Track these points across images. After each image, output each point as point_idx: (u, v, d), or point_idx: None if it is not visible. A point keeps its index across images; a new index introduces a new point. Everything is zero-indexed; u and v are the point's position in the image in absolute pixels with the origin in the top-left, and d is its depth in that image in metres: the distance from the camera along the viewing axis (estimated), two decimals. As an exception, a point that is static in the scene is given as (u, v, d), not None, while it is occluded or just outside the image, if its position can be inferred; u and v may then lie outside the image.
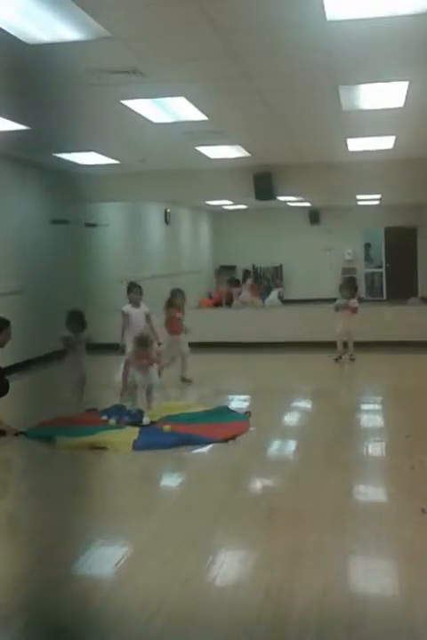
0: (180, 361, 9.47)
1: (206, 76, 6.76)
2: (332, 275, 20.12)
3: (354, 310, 10.88)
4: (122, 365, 7.74)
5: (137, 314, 8.90)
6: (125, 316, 8.90)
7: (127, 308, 9.00)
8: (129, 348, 8.23)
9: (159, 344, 9.06)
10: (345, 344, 10.92)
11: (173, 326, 9.41)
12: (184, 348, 9.45)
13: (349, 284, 11.78)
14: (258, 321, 12.41)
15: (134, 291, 9.14)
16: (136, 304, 9.04)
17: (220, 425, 7.10)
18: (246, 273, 19.18)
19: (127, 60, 6.09)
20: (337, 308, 10.93)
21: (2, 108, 7.75)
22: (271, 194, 12.80)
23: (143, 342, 7.67)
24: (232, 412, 7.71)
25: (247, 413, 7.50)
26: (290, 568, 3.91)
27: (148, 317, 8.97)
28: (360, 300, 21.13)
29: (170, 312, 9.38)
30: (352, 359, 10.84)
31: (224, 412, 7.63)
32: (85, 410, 7.79)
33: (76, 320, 8.13)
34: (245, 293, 16.46)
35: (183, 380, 9.38)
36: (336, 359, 10.81)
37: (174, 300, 9.55)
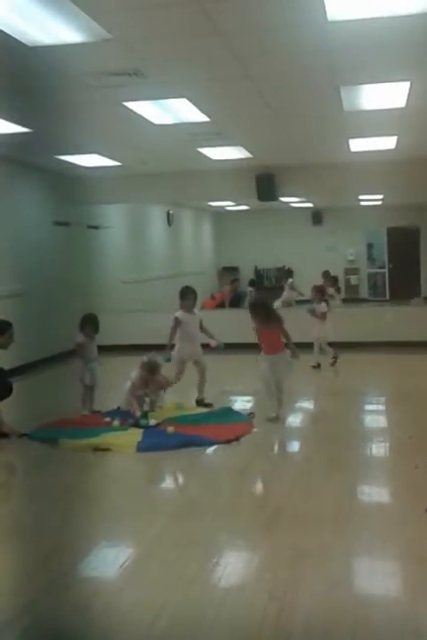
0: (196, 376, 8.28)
1: (208, 78, 6.76)
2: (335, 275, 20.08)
3: (322, 316, 10.46)
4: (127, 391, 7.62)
5: (191, 320, 8.21)
6: (178, 321, 8.10)
7: (180, 313, 8.21)
8: (178, 352, 7.97)
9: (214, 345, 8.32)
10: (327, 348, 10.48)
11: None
12: (200, 360, 8.21)
13: (315, 289, 10.96)
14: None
15: (189, 297, 8.38)
16: (189, 310, 8.28)
17: (223, 426, 7.10)
18: (252, 282, 19.13)
19: (128, 62, 6.10)
20: (309, 313, 10.55)
21: (3, 111, 7.76)
22: (273, 195, 12.80)
23: (151, 368, 7.46)
24: (236, 413, 7.72)
25: (251, 414, 7.50)
26: (294, 569, 3.91)
27: (201, 323, 8.31)
28: (363, 301, 21.29)
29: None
30: (333, 361, 10.45)
31: (228, 414, 7.64)
32: (90, 412, 7.79)
33: (91, 323, 7.99)
34: (290, 292, 16.47)
35: (200, 403, 8.15)
36: (314, 366, 10.31)
37: (185, 301, 8.38)
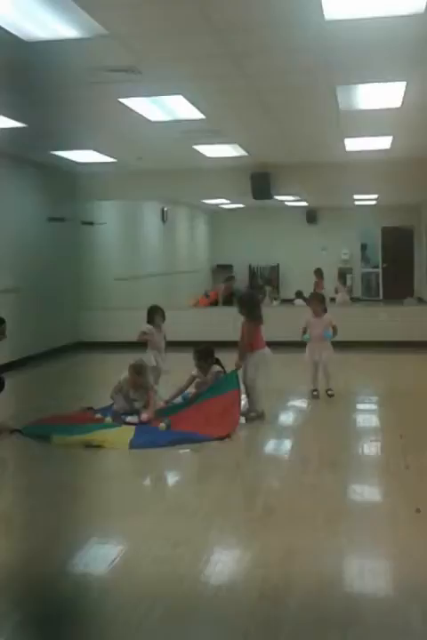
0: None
1: (204, 75, 6.76)
2: (328, 275, 20.07)
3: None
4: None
5: (317, 321, 8.15)
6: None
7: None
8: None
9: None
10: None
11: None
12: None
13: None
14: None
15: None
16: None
17: (214, 405, 7.12)
18: (260, 288, 18.93)
19: (125, 59, 6.09)
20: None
21: (0, 106, 7.75)
22: (269, 193, 12.80)
23: (137, 370, 7.49)
24: (222, 380, 7.53)
25: (234, 371, 7.40)
26: (285, 567, 3.92)
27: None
28: (356, 300, 21.30)
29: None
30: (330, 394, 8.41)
31: (213, 386, 7.50)
32: (81, 408, 7.78)
33: (159, 315, 8.24)
34: (343, 295, 16.51)
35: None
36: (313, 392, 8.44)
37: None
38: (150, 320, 8.25)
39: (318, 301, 8.57)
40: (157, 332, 8.22)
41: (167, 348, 8.40)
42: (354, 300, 21.49)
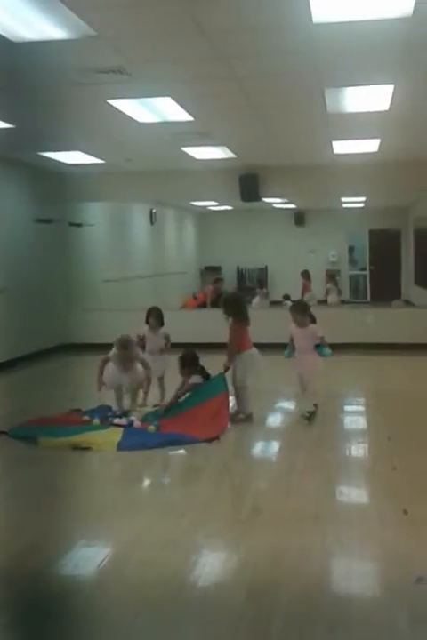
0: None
1: (192, 77, 6.76)
2: (316, 276, 20.12)
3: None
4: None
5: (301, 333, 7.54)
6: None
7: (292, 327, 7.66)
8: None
9: None
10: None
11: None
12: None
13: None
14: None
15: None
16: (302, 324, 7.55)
17: (203, 410, 7.12)
18: (249, 289, 18.85)
19: (113, 60, 6.09)
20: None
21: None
22: (257, 195, 12.82)
23: (123, 344, 7.50)
24: (210, 383, 7.47)
25: (221, 374, 7.38)
26: (272, 568, 3.93)
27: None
28: (344, 302, 21.36)
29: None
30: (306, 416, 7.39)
31: (201, 391, 7.46)
32: (69, 410, 7.76)
33: (153, 316, 8.22)
34: (333, 296, 16.58)
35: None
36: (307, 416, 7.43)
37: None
38: (146, 321, 8.25)
39: (298, 311, 7.60)
40: (153, 334, 8.18)
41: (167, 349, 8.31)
42: (342, 302, 21.59)
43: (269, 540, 4.35)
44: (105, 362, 7.59)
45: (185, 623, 3.36)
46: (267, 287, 19.08)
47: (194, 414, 7.10)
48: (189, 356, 7.61)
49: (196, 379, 7.50)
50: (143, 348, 8.02)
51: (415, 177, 12.14)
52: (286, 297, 16.98)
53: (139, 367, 7.68)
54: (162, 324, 8.28)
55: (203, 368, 7.61)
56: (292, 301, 16.54)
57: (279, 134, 9.86)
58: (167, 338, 8.31)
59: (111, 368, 7.58)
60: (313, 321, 7.59)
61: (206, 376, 7.55)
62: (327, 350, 7.45)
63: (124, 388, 7.71)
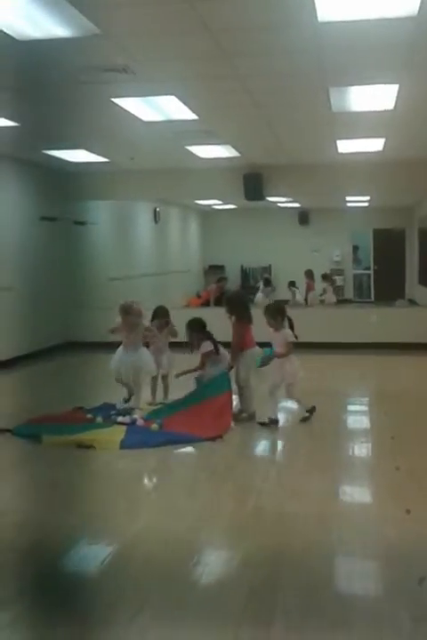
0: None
1: (197, 76, 6.76)
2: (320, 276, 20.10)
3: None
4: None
5: (276, 336, 7.38)
6: None
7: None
8: None
9: None
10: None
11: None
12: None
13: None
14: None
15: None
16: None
17: (205, 406, 7.10)
18: (267, 281, 18.73)
19: (118, 58, 6.08)
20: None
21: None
22: (261, 194, 12.81)
23: (125, 309, 7.70)
24: (211, 383, 7.43)
25: (225, 373, 7.39)
26: (275, 568, 3.92)
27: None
28: (348, 302, 21.36)
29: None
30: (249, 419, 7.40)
31: (204, 389, 7.46)
32: (73, 408, 7.77)
33: (158, 314, 8.26)
34: (330, 295, 16.59)
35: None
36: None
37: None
38: (153, 319, 8.25)
39: (270, 314, 7.19)
40: (159, 332, 8.15)
41: (172, 348, 8.32)
42: (346, 301, 21.59)
43: (271, 539, 4.35)
44: (113, 331, 7.81)
45: (187, 622, 3.36)
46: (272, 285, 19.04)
47: (197, 412, 7.09)
48: (196, 322, 7.70)
49: (206, 346, 7.50)
50: (147, 345, 8.02)
51: (420, 176, 12.12)
52: (292, 283, 17.10)
53: (144, 352, 7.76)
54: (168, 322, 8.28)
55: (210, 333, 7.65)
56: (298, 288, 16.77)
57: (284, 133, 9.85)
58: (173, 331, 8.29)
59: (118, 352, 7.73)
60: (290, 324, 7.24)
61: (215, 342, 7.54)
62: (266, 353, 7.22)
63: (131, 376, 7.73)
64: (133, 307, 7.75)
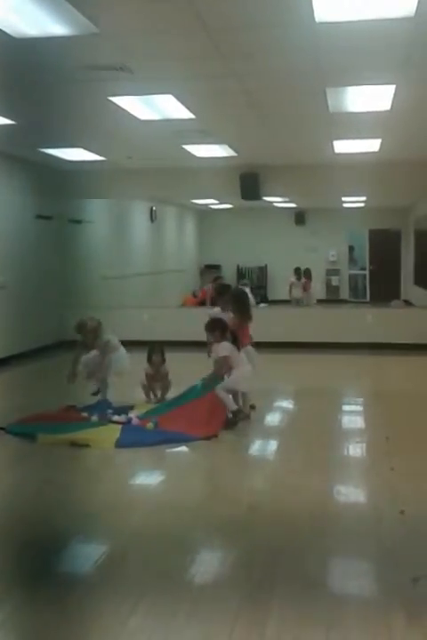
0: None
1: (194, 75, 6.76)
2: (316, 277, 20.12)
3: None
4: None
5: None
6: None
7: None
8: None
9: None
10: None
11: None
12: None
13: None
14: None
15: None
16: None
17: (200, 403, 7.05)
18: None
19: (115, 57, 6.08)
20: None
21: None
22: (257, 194, 12.83)
23: (77, 329, 7.80)
24: (207, 381, 7.31)
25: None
26: (269, 567, 3.93)
27: None
28: (343, 302, 21.39)
29: None
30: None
31: (198, 388, 7.35)
32: (66, 406, 7.75)
33: (155, 351, 8.13)
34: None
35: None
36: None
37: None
38: (148, 358, 8.08)
39: (207, 329, 7.34)
40: (155, 373, 8.04)
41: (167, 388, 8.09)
42: (341, 301, 21.63)
43: (266, 538, 4.36)
44: (79, 353, 7.93)
45: (181, 621, 3.36)
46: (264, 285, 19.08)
47: (192, 410, 7.03)
48: (219, 322, 7.28)
49: (225, 347, 7.10)
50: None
51: (416, 177, 12.15)
52: (296, 271, 17.46)
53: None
54: (164, 360, 8.11)
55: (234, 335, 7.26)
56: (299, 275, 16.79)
57: (280, 133, 9.85)
58: (166, 376, 8.10)
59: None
60: (234, 338, 7.21)
61: (238, 345, 7.24)
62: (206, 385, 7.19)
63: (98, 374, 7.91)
64: (88, 324, 7.80)
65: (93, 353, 7.89)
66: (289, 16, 5.12)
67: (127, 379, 8.08)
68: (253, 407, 7.53)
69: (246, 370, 7.19)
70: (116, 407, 7.58)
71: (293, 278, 17.44)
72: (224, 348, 7.11)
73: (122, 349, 8.04)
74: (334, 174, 12.52)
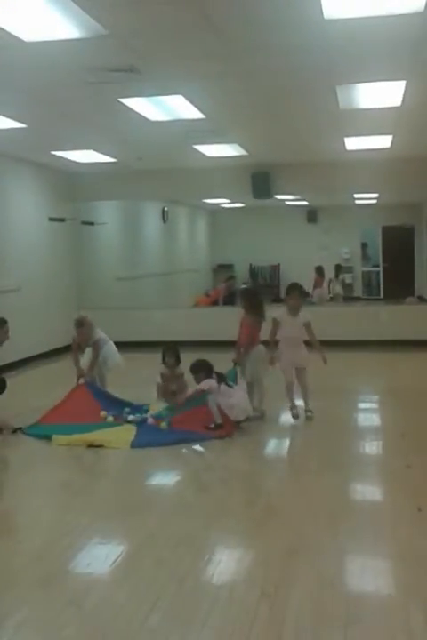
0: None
1: (204, 75, 6.76)
2: (329, 273, 20.06)
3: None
4: None
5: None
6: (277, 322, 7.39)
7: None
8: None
9: None
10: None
11: None
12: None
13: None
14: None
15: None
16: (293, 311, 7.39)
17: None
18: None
19: (124, 59, 6.09)
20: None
21: (0, 107, 7.75)
22: (269, 192, 12.80)
23: (76, 324, 8.03)
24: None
25: (233, 369, 7.40)
26: (285, 567, 3.92)
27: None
28: (357, 299, 21.31)
29: None
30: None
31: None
32: (77, 384, 7.90)
33: (169, 353, 8.03)
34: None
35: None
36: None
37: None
38: (162, 359, 7.96)
39: (193, 371, 7.27)
40: (171, 374, 7.91)
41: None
42: (355, 299, 21.56)
43: (282, 537, 4.35)
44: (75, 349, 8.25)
45: (198, 621, 3.36)
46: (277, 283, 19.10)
47: (206, 411, 7.02)
48: (203, 364, 7.22)
49: (209, 382, 7.03)
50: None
51: (428, 173, 12.10)
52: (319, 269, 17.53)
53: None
54: (179, 361, 7.97)
55: (220, 374, 7.18)
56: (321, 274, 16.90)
57: (291, 131, 9.83)
58: (182, 376, 7.93)
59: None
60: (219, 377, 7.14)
61: (223, 379, 7.16)
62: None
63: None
64: (83, 320, 8.09)
65: (88, 351, 8.10)
66: (298, 13, 5.10)
67: (145, 377, 8.12)
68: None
69: (242, 399, 7.09)
70: (135, 405, 7.60)
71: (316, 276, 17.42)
72: (206, 383, 7.01)
73: (110, 343, 8.20)
74: (346, 171, 12.47)
